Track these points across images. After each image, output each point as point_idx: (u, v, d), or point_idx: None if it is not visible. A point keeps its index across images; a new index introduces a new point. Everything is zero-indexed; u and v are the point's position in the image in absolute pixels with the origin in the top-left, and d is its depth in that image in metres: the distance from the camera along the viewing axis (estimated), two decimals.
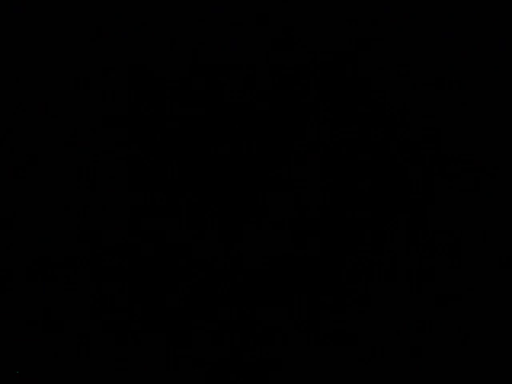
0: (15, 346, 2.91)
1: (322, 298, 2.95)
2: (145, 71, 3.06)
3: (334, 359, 2.91)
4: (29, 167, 3.01)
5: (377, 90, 3.04)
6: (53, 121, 3.04)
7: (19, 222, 2.99)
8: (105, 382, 2.90)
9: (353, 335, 2.93)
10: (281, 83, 3.05)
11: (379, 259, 2.97)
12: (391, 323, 2.93)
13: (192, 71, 3.06)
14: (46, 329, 2.92)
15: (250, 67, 3.06)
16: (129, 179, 3.02)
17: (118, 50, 3.06)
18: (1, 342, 2.91)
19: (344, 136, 3.03)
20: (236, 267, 2.97)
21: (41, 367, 2.90)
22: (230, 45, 3.06)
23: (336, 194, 3.01)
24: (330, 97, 3.05)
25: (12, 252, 2.97)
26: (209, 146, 3.04)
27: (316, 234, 2.99)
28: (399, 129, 3.03)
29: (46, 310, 2.93)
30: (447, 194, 3.00)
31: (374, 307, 2.94)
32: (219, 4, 3.07)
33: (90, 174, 3.02)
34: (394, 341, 2.92)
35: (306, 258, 2.98)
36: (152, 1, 3.07)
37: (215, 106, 3.05)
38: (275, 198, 3.01)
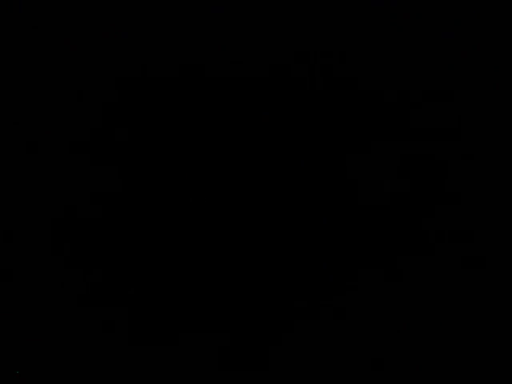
0: (15, 346, 2.91)
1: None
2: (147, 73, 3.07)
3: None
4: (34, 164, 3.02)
5: (376, 91, 3.05)
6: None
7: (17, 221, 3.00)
8: (105, 382, 2.91)
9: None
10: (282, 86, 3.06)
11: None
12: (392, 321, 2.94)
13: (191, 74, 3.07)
14: (46, 329, 2.92)
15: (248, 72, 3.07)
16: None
17: (118, 52, 3.07)
18: (1, 342, 2.91)
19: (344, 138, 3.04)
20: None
21: (41, 367, 2.90)
22: (230, 50, 3.07)
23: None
24: (330, 98, 3.05)
25: (11, 252, 2.97)
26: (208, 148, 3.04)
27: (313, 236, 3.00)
28: (399, 130, 3.04)
29: (46, 310, 2.93)
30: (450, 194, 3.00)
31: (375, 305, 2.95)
32: (218, 4, 3.08)
33: (94, 173, 3.03)
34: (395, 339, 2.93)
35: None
36: (154, 3, 3.08)
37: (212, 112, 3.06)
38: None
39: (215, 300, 2.96)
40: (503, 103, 3.02)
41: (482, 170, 3.00)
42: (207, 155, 3.04)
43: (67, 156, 3.03)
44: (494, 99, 3.03)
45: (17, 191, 3.00)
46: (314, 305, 2.95)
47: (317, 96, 3.05)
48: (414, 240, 2.98)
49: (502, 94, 3.03)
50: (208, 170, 3.03)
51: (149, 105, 3.06)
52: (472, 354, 2.90)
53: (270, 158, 3.03)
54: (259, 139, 3.04)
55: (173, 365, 2.91)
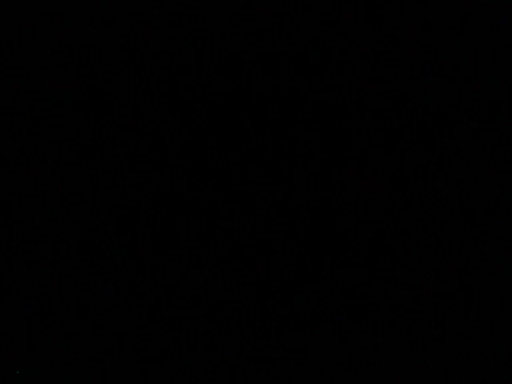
0: (15, 346, 2.91)
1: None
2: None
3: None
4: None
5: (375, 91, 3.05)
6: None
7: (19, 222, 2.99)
8: (105, 382, 2.91)
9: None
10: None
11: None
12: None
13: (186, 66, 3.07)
14: (46, 329, 2.92)
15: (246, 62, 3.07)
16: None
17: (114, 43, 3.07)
18: (1, 342, 2.90)
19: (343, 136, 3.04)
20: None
21: (41, 367, 2.90)
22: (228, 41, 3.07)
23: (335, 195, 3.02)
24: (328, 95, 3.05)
25: (12, 252, 2.97)
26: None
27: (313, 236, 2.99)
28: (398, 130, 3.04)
29: (46, 310, 2.93)
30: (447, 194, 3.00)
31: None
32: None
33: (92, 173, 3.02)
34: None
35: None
36: None
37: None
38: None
39: (215, 301, 2.96)
40: (505, 106, 3.03)
41: (482, 174, 3.01)
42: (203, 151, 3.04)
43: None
44: (495, 101, 3.04)
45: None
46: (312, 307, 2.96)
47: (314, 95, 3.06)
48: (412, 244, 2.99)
49: (504, 96, 3.03)
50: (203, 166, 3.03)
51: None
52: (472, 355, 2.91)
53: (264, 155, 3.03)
54: (254, 138, 3.04)
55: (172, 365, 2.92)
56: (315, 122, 3.04)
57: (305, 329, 2.94)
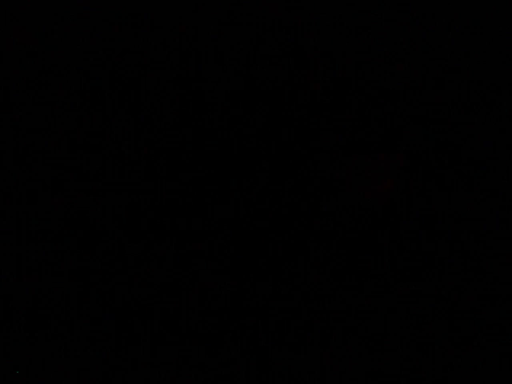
0: (15, 346, 2.91)
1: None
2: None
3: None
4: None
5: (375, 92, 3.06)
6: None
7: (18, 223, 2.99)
8: (105, 382, 2.91)
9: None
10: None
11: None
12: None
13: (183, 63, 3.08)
14: (46, 329, 2.93)
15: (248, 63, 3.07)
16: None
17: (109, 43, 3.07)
18: (1, 342, 2.91)
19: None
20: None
21: (41, 367, 2.90)
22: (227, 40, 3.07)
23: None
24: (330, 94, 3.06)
25: (12, 252, 2.97)
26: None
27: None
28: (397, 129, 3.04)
29: (45, 310, 2.94)
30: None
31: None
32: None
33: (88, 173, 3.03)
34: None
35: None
36: None
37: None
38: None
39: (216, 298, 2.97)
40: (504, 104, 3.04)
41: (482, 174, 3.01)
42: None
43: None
44: (495, 101, 3.04)
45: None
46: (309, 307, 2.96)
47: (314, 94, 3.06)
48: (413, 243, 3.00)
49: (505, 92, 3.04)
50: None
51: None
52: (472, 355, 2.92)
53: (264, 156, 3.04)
54: (253, 137, 3.05)
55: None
56: (314, 121, 3.04)
57: (304, 328, 2.95)
